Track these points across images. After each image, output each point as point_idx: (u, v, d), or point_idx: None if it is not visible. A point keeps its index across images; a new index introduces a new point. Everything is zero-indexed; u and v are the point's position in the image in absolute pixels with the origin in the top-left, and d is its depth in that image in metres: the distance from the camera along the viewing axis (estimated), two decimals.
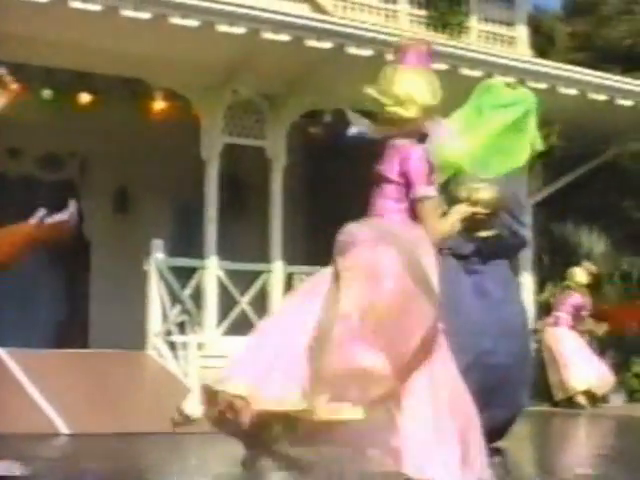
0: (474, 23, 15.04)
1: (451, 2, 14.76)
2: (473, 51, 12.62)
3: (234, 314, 11.89)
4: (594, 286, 14.14)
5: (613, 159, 15.59)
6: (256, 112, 12.16)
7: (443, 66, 11.47)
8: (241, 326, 11.81)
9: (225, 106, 11.91)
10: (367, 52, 11.36)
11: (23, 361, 10.06)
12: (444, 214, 4.75)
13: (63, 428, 8.92)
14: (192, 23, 10.63)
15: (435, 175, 4.69)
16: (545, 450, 8.36)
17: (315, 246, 12.36)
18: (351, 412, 4.17)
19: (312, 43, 11.28)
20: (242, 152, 12.37)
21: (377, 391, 4.20)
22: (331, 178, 14.01)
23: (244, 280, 12.12)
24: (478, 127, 6.95)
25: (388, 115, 4.67)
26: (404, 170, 4.59)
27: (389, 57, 4.88)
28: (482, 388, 5.56)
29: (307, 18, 11.61)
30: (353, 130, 4.78)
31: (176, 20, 10.57)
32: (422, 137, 4.73)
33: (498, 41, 15.17)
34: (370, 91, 4.70)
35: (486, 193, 6.58)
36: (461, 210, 4.94)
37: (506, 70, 12.42)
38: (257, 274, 12.14)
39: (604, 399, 13.44)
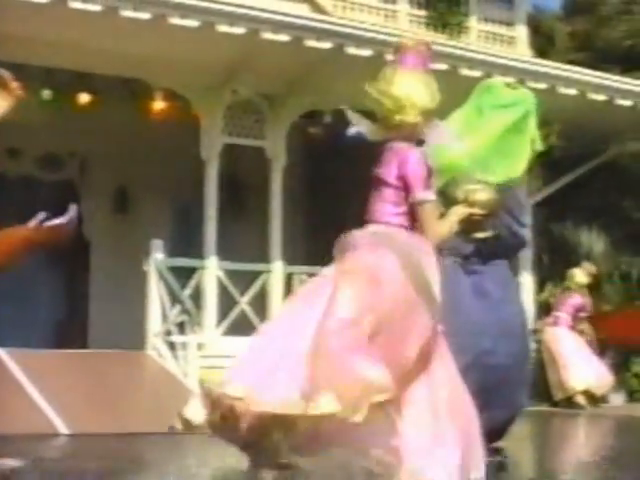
0: (473, 23, 15.05)
1: (450, 2, 14.76)
2: (472, 51, 12.62)
3: (234, 314, 11.89)
4: (594, 286, 14.14)
5: (613, 159, 15.59)
6: (256, 112, 12.17)
7: (443, 66, 11.48)
8: (241, 326, 11.82)
9: (225, 106, 11.92)
10: (367, 52, 11.37)
11: (22, 361, 10.06)
12: (441, 216, 4.75)
13: (62, 428, 8.92)
14: (192, 23, 10.63)
15: (433, 178, 4.69)
16: (544, 450, 8.36)
17: (315, 246, 12.37)
18: (350, 410, 4.16)
19: (312, 43, 11.29)
20: (242, 152, 12.37)
21: (377, 400, 4.20)
22: (331, 178, 14.02)
23: (244, 280, 12.12)
24: (479, 127, 6.97)
25: (388, 119, 4.67)
26: (402, 174, 4.59)
27: (389, 57, 4.86)
28: (481, 388, 5.56)
29: (307, 18, 11.61)
30: (352, 130, 4.78)
31: (176, 20, 10.58)
32: (420, 140, 4.72)
33: (498, 41, 15.18)
34: (370, 90, 4.70)
35: (483, 194, 6.58)
36: (458, 212, 4.94)
37: (506, 70, 12.42)
38: (257, 274, 12.14)
39: (603, 399, 13.44)
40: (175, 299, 11.43)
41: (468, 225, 5.60)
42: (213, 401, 4.35)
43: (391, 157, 4.65)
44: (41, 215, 5.35)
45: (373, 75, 4.79)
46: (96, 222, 13.84)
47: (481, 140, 6.87)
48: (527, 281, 14.17)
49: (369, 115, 4.76)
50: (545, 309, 14.25)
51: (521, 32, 15.47)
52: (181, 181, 13.28)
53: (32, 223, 5.33)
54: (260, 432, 4.27)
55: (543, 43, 19.94)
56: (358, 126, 4.75)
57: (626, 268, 15.90)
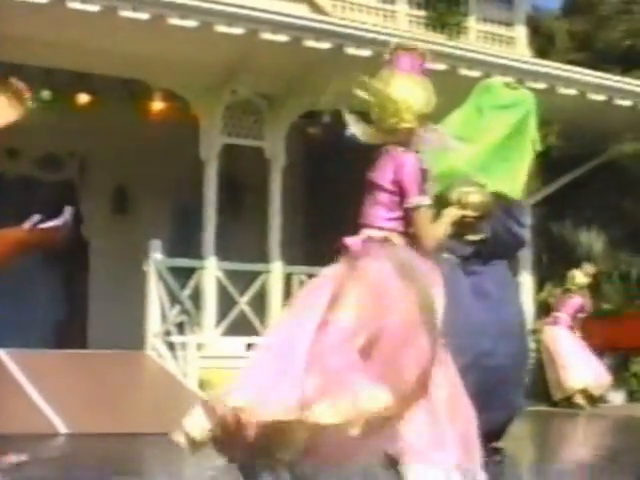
0: (473, 23, 15.05)
1: (450, 2, 14.77)
2: (472, 51, 12.62)
3: (233, 314, 11.90)
4: (593, 286, 14.14)
5: (612, 159, 15.60)
6: (255, 112, 12.17)
7: (442, 66, 11.49)
8: (240, 326, 11.84)
9: (224, 106, 11.92)
10: (366, 52, 11.36)
11: (22, 361, 10.07)
12: (435, 218, 4.74)
13: (62, 428, 8.92)
14: (191, 24, 10.63)
15: (428, 183, 4.68)
16: (543, 450, 8.37)
17: (314, 246, 12.37)
18: (346, 423, 4.16)
19: (311, 43, 11.28)
20: (241, 152, 12.37)
21: (374, 416, 4.19)
22: (330, 178, 14.01)
23: (243, 280, 12.12)
24: (478, 128, 6.97)
25: (383, 122, 4.65)
26: (398, 178, 4.57)
27: (386, 58, 4.85)
28: (481, 389, 5.56)
29: (306, 18, 11.61)
30: (349, 131, 4.76)
31: (175, 21, 10.57)
32: (415, 144, 4.70)
33: (497, 41, 15.18)
34: (365, 92, 4.68)
35: (476, 197, 6.58)
36: (451, 213, 4.94)
37: (505, 70, 12.41)
38: (256, 274, 12.14)
39: (602, 399, 13.44)
40: (174, 299, 11.43)
41: (461, 227, 5.60)
42: (215, 413, 4.33)
43: (386, 161, 4.63)
44: (35, 217, 5.35)
45: (372, 76, 4.78)
46: (95, 222, 13.84)
47: (482, 145, 6.87)
48: (527, 281, 14.18)
49: (366, 116, 4.75)
50: (544, 309, 14.25)
51: (520, 32, 15.48)
52: (180, 181, 13.28)
53: (26, 225, 5.33)
54: (262, 442, 4.25)
55: (543, 43, 19.94)
56: (353, 128, 4.73)
57: (625, 268, 15.90)
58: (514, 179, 7.02)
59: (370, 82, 4.69)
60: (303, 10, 13.07)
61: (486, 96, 7.21)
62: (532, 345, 11.42)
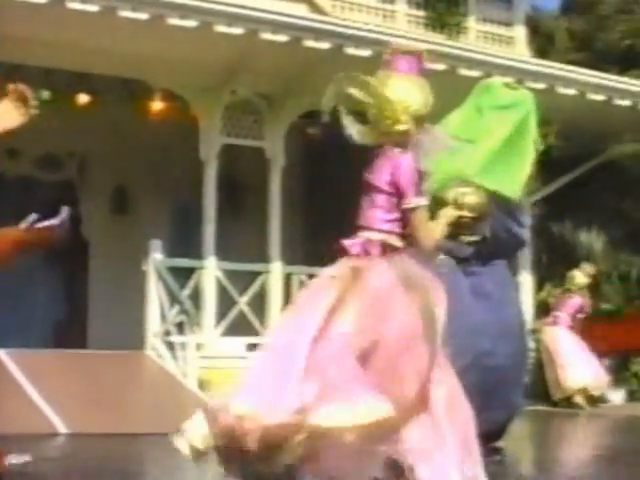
0: (472, 23, 15.06)
1: (449, 3, 14.77)
2: (471, 51, 12.62)
3: (233, 314, 11.90)
4: (593, 286, 14.14)
5: (611, 159, 15.60)
6: (254, 112, 12.17)
7: (441, 66, 11.50)
8: (240, 326, 11.84)
9: (223, 106, 11.92)
10: (365, 52, 11.36)
11: (21, 361, 10.07)
12: (431, 218, 4.73)
13: (61, 428, 8.92)
14: (190, 24, 10.63)
15: (425, 183, 4.68)
16: (543, 450, 8.37)
17: (314, 246, 12.38)
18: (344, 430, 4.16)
19: (310, 43, 11.29)
20: (240, 152, 12.38)
21: (372, 425, 4.19)
22: (330, 178, 14.01)
23: (243, 280, 12.12)
24: (479, 129, 6.96)
25: (379, 123, 4.64)
26: (395, 180, 4.56)
27: (385, 59, 4.84)
28: (481, 389, 5.56)
29: (305, 18, 11.61)
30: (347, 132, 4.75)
31: (174, 21, 10.57)
32: (412, 145, 4.69)
33: (496, 41, 15.19)
34: (361, 92, 4.67)
35: (472, 197, 6.59)
36: (447, 214, 4.94)
37: (504, 70, 12.42)
38: (256, 274, 12.14)
39: (602, 399, 13.44)
40: (174, 299, 11.43)
41: (457, 227, 5.60)
42: (218, 422, 4.32)
43: (383, 162, 4.63)
44: (32, 216, 5.36)
45: (371, 76, 4.78)
46: (95, 222, 13.85)
47: (483, 148, 6.88)
48: (526, 281, 14.18)
49: (364, 116, 4.74)
50: (544, 309, 14.25)
51: (520, 32, 15.48)
52: (180, 181, 13.28)
53: (23, 224, 5.34)
54: (263, 450, 4.24)
55: (542, 43, 19.95)
56: (349, 129, 4.72)
57: (625, 268, 15.90)
58: (514, 179, 7.03)
59: (367, 82, 4.68)
60: (303, 10, 13.07)
61: (486, 96, 7.22)
62: (531, 345, 11.42)
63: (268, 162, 12.22)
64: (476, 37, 15.01)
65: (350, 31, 11.59)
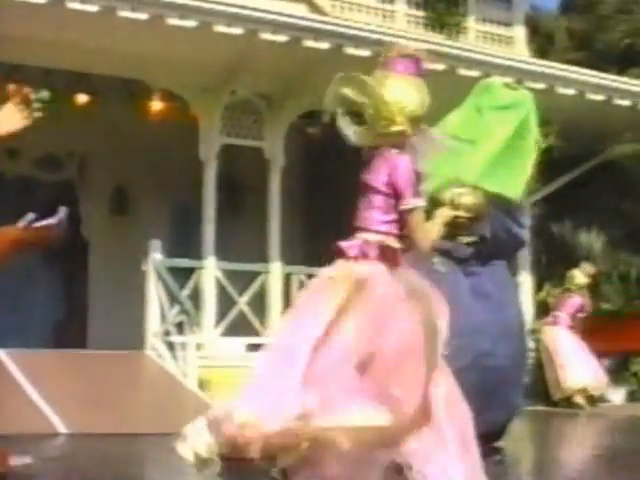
0: (472, 23, 15.06)
1: (449, 3, 14.77)
2: (471, 51, 12.62)
3: (232, 314, 11.90)
4: (593, 286, 14.14)
5: (611, 159, 15.60)
6: (254, 113, 12.17)
7: (441, 66, 11.50)
8: (239, 326, 11.84)
9: (223, 107, 11.92)
10: (365, 52, 11.36)
11: (21, 361, 10.07)
12: (427, 218, 4.73)
13: (61, 428, 8.92)
14: (190, 24, 10.63)
15: (422, 185, 4.67)
16: (543, 449, 8.37)
17: (313, 246, 12.38)
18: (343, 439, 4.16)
19: (310, 43, 11.29)
20: (240, 153, 12.38)
21: (371, 436, 4.20)
22: (329, 178, 14.02)
23: (242, 280, 12.12)
24: (479, 130, 6.97)
25: (376, 124, 4.64)
26: (392, 181, 4.56)
27: (381, 59, 4.84)
28: (481, 389, 5.57)
29: (305, 19, 11.61)
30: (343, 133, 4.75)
31: (173, 21, 10.57)
32: (408, 146, 4.69)
33: (496, 41, 15.19)
34: (358, 97, 4.66)
35: (468, 198, 6.58)
36: (443, 214, 4.94)
37: (504, 70, 12.42)
38: (255, 274, 12.14)
39: (602, 399, 13.45)
40: (174, 299, 11.43)
41: (453, 228, 5.60)
42: (222, 432, 4.31)
43: (380, 163, 4.63)
44: (30, 215, 5.36)
45: (371, 76, 4.77)
46: (94, 222, 13.85)
47: (484, 152, 6.88)
48: (526, 281, 14.18)
49: (361, 117, 4.73)
50: (543, 309, 14.25)
51: (519, 32, 15.48)
52: (179, 181, 13.28)
53: (21, 223, 5.35)
54: (267, 457, 4.24)
55: (542, 43, 19.96)
56: (346, 130, 4.72)
57: (625, 268, 15.90)
58: (516, 181, 7.03)
59: (364, 82, 4.67)
60: (302, 10, 13.08)
61: (485, 96, 7.21)
62: (531, 345, 11.43)
63: (268, 162, 12.23)
64: (475, 37, 15.01)
65: (350, 31, 11.59)
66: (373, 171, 4.63)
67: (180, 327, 11.27)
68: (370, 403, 4.19)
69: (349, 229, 4.66)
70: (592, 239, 16.11)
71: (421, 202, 4.58)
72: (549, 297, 14.47)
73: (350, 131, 4.70)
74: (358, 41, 11.48)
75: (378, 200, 4.59)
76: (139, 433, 8.75)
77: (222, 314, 11.85)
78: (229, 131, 12.01)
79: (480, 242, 6.92)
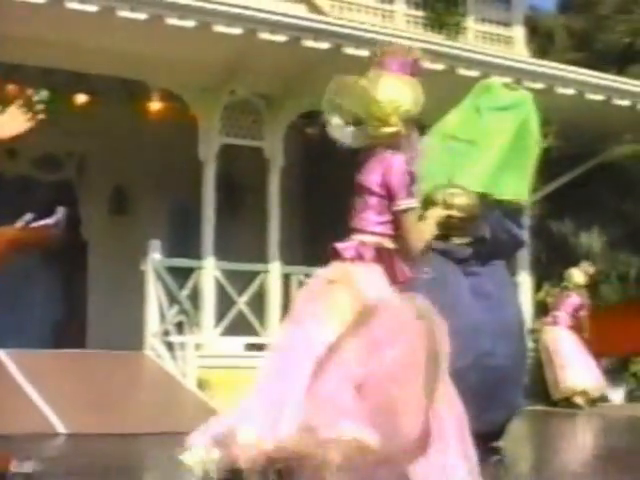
0: (471, 23, 15.05)
1: (448, 3, 14.77)
2: (470, 51, 12.62)
3: (232, 314, 11.89)
4: (592, 286, 14.14)
5: (610, 159, 15.60)
6: (253, 112, 12.16)
7: (440, 66, 11.50)
8: (238, 326, 11.84)
9: (222, 106, 11.91)
10: (364, 52, 11.35)
11: (21, 361, 10.07)
12: (420, 218, 4.73)
13: (60, 428, 8.92)
14: (189, 24, 10.63)
15: (416, 185, 4.67)
16: (543, 449, 8.37)
17: (312, 246, 12.37)
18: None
19: (309, 43, 11.29)
20: (239, 153, 12.37)
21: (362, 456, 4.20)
22: (328, 178, 14.00)
23: (241, 280, 12.12)
24: (478, 130, 6.97)
25: (369, 125, 4.63)
26: (386, 181, 4.56)
27: (374, 60, 4.84)
28: (481, 389, 5.57)
29: (304, 19, 11.61)
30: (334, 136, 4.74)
31: (173, 21, 10.57)
32: (403, 146, 4.68)
33: (495, 41, 15.19)
34: (351, 93, 4.65)
35: (462, 198, 6.58)
36: (435, 214, 4.94)
37: (503, 70, 12.42)
38: (254, 274, 12.14)
39: (602, 399, 13.45)
40: (173, 299, 11.43)
41: (446, 228, 5.60)
42: (226, 449, 4.31)
43: (374, 164, 4.63)
44: (28, 216, 5.36)
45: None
46: (94, 222, 13.84)
47: (488, 160, 6.87)
48: (525, 281, 14.18)
49: (354, 118, 4.72)
50: (542, 309, 14.25)
51: (518, 32, 15.48)
52: (179, 181, 13.27)
53: (19, 224, 5.34)
54: (272, 471, 4.25)
55: (541, 43, 19.96)
56: (337, 133, 4.71)
57: (624, 268, 15.91)
58: (523, 184, 7.03)
59: (356, 85, 4.67)
60: (301, 10, 13.07)
61: (485, 97, 7.21)
62: (530, 345, 11.43)
63: (267, 162, 12.22)
64: (475, 37, 15.01)
65: (349, 31, 11.59)
66: (367, 172, 4.63)
67: (179, 327, 11.27)
68: (364, 423, 4.19)
69: (347, 229, 4.66)
70: (591, 239, 16.12)
71: (415, 203, 4.58)
72: (548, 297, 14.47)
73: (343, 134, 4.70)
74: (357, 41, 11.47)
75: (373, 201, 4.59)
76: (138, 433, 8.75)
77: (221, 314, 11.84)
78: (228, 131, 12.01)
79: (479, 242, 6.92)
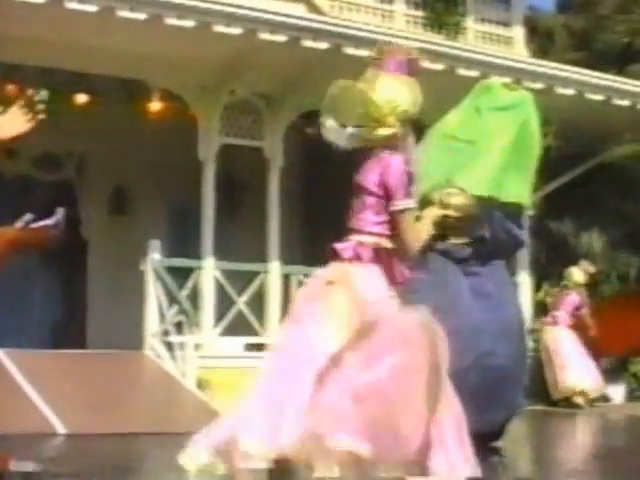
0: (471, 23, 15.06)
1: (447, 3, 14.77)
2: (470, 51, 12.62)
3: (231, 314, 11.89)
4: (591, 286, 14.14)
5: (610, 159, 15.60)
6: (253, 112, 12.16)
7: (440, 66, 11.50)
8: (238, 326, 11.84)
9: (222, 106, 11.91)
10: (364, 52, 11.34)
11: (20, 361, 10.07)
12: (417, 217, 4.73)
13: (60, 428, 8.92)
14: (188, 24, 10.63)
15: (414, 185, 4.67)
16: (542, 449, 8.37)
17: (312, 246, 12.37)
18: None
19: (309, 43, 11.28)
20: (239, 152, 12.37)
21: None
22: (328, 178, 13.99)
23: (241, 280, 12.12)
24: (477, 130, 6.96)
25: (367, 125, 4.62)
26: (384, 181, 4.56)
27: (373, 58, 4.84)
28: (481, 390, 5.56)
29: (303, 19, 11.61)
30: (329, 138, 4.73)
31: (172, 21, 10.57)
32: (401, 146, 4.68)
33: (495, 41, 15.19)
34: (348, 95, 4.65)
35: (458, 198, 6.58)
36: (431, 213, 4.94)
37: (503, 70, 12.42)
38: (254, 274, 12.14)
39: (602, 398, 13.45)
40: (172, 299, 11.43)
41: (442, 228, 5.59)
42: (228, 458, 4.32)
43: (372, 164, 4.62)
44: (28, 216, 5.36)
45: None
46: (93, 222, 13.84)
47: (492, 162, 6.87)
48: (525, 281, 14.17)
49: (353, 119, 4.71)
50: (541, 308, 14.25)
51: (518, 32, 15.49)
52: (179, 181, 13.27)
53: (18, 224, 5.34)
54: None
55: (542, 43, 19.96)
56: (332, 136, 4.71)
57: (624, 268, 15.91)
58: (526, 186, 7.03)
59: (354, 88, 4.67)
60: (301, 10, 13.07)
61: (485, 97, 7.21)
62: (530, 345, 11.42)
63: (267, 162, 12.22)
64: (474, 37, 15.01)
65: (349, 31, 11.58)
66: (366, 172, 4.63)
67: (179, 327, 11.27)
68: (362, 436, 4.19)
69: (346, 229, 4.66)
70: (591, 239, 16.11)
71: (412, 203, 4.57)
72: (547, 297, 14.47)
73: (338, 136, 4.69)
74: (357, 41, 11.47)
75: (371, 201, 4.59)
76: (138, 433, 8.74)
77: (221, 314, 11.84)
78: (228, 131, 12.00)
79: (479, 242, 6.92)
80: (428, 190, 6.30)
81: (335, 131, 4.69)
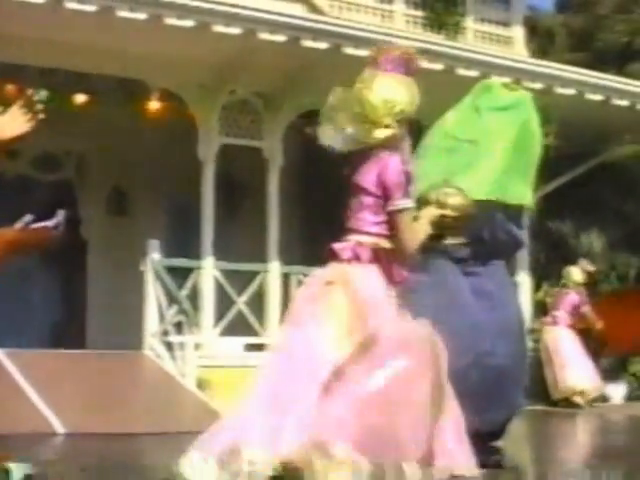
0: (470, 23, 15.06)
1: (447, 3, 14.77)
2: (469, 51, 12.62)
3: (231, 314, 11.89)
4: (591, 285, 14.14)
5: (610, 159, 15.60)
6: (253, 112, 12.16)
7: (439, 66, 11.50)
8: (238, 326, 11.83)
9: (221, 106, 11.91)
10: (363, 52, 11.34)
11: (20, 361, 10.06)
12: (414, 217, 4.72)
13: (60, 428, 8.92)
14: (188, 24, 10.63)
15: (412, 185, 4.67)
16: (543, 449, 8.37)
17: (312, 246, 12.35)
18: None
19: (308, 43, 11.29)
20: (239, 152, 12.37)
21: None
22: (327, 178, 13.96)
23: (241, 280, 12.12)
24: (477, 130, 6.95)
25: (365, 126, 4.62)
26: (382, 181, 4.56)
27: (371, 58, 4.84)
28: (481, 389, 5.56)
29: (303, 18, 11.62)
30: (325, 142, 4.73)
31: (172, 21, 10.57)
32: (399, 146, 4.67)
33: (494, 41, 15.19)
34: (345, 96, 4.65)
35: (455, 198, 6.57)
36: (428, 213, 4.94)
37: (502, 70, 12.42)
38: (254, 274, 12.14)
39: (602, 398, 13.45)
40: (172, 299, 11.43)
41: (439, 228, 5.59)
42: (230, 466, 4.31)
43: (370, 164, 4.62)
44: (28, 217, 5.36)
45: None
46: (93, 222, 13.83)
47: (494, 164, 6.86)
48: (525, 281, 14.17)
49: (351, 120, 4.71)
50: (541, 308, 14.24)
51: (518, 32, 15.49)
52: (178, 181, 13.27)
53: (18, 225, 5.34)
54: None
55: (541, 42, 19.96)
56: (327, 140, 4.71)
57: (623, 268, 15.91)
58: (525, 187, 7.02)
59: (351, 92, 4.66)
60: (300, 10, 13.07)
61: (485, 97, 7.20)
62: (530, 345, 11.42)
63: (266, 162, 12.22)
64: (474, 37, 15.01)
65: (348, 31, 11.59)
66: (364, 172, 4.63)
67: (179, 327, 11.26)
68: (363, 445, 4.20)
69: (345, 229, 4.66)
70: (591, 239, 16.12)
71: (410, 203, 4.57)
72: (547, 297, 14.46)
73: (333, 139, 4.69)
74: (357, 41, 11.47)
75: (369, 201, 4.59)
76: (138, 433, 8.74)
77: (220, 314, 11.84)
78: (227, 131, 12.00)
79: (478, 243, 6.91)
80: (426, 190, 6.29)
81: (331, 134, 4.69)
